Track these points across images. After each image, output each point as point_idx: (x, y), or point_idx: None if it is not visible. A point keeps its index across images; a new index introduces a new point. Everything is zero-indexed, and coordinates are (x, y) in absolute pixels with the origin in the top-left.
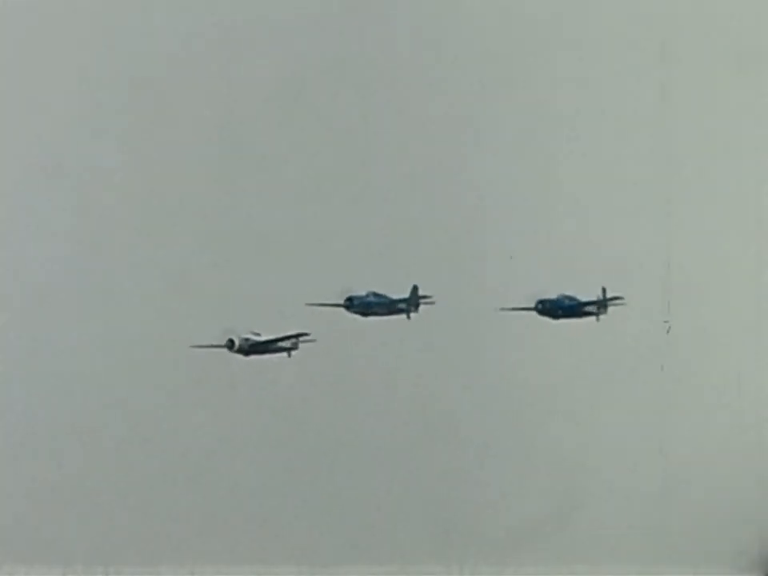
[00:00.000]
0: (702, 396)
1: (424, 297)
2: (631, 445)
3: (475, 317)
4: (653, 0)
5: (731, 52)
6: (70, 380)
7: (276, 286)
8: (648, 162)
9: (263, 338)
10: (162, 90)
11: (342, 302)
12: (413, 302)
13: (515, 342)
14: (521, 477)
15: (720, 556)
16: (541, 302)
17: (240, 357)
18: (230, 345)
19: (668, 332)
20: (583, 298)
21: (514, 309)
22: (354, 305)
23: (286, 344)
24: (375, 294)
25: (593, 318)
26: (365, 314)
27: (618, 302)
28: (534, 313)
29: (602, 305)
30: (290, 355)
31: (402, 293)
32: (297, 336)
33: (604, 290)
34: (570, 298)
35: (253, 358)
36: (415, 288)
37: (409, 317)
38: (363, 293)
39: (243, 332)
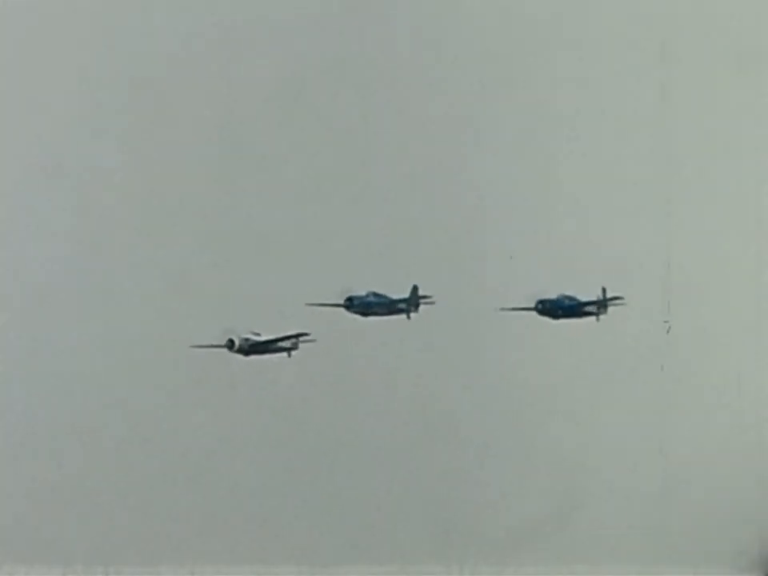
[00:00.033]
0: (702, 396)
1: (424, 297)
2: (631, 445)
3: (475, 317)
4: (653, 0)
5: (731, 52)
6: (70, 380)
7: (276, 286)
8: (648, 162)
9: (263, 338)
10: (162, 89)
11: (342, 302)
12: (413, 302)
13: (515, 342)
14: (521, 477)
15: (720, 556)
16: (541, 301)
17: (240, 357)
18: (230, 345)
19: (668, 332)
20: (583, 298)
21: (514, 309)
22: (354, 305)
23: (286, 344)
24: (375, 294)
25: (593, 318)
26: (365, 314)
27: (617, 302)
28: (534, 313)
29: (601, 305)
30: (290, 355)
31: (402, 293)
32: (297, 336)
33: (604, 290)
34: (570, 298)
35: (253, 357)
36: (415, 288)
37: (409, 317)
38: (363, 293)
39: (243, 332)
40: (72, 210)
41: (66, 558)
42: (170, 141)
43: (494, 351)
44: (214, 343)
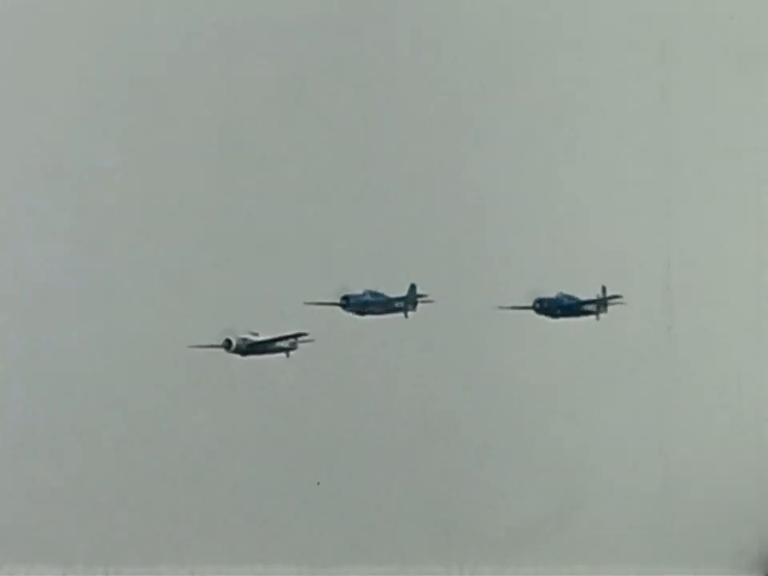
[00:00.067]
0: (702, 396)
1: (422, 295)
2: (631, 445)
3: (473, 315)
4: (653, 0)
5: (731, 52)
6: (70, 380)
7: (275, 286)
8: (648, 162)
9: (261, 338)
10: (162, 89)
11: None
12: (410, 301)
13: (514, 340)
14: (521, 477)
15: (720, 556)
16: (539, 300)
17: (238, 357)
18: (228, 345)
19: (668, 332)
20: (583, 297)
21: (512, 307)
22: (350, 303)
23: (284, 344)
24: (372, 293)
25: (592, 318)
26: (361, 313)
27: (617, 301)
28: (532, 311)
29: (601, 303)
30: (288, 355)
31: (401, 292)
32: (295, 336)
33: (604, 289)
34: (569, 297)
35: (251, 358)
36: (413, 286)
37: (407, 315)
38: (360, 291)
39: (242, 332)
40: (72, 210)
41: (66, 558)
42: (169, 141)
43: (492, 350)
44: (214, 344)
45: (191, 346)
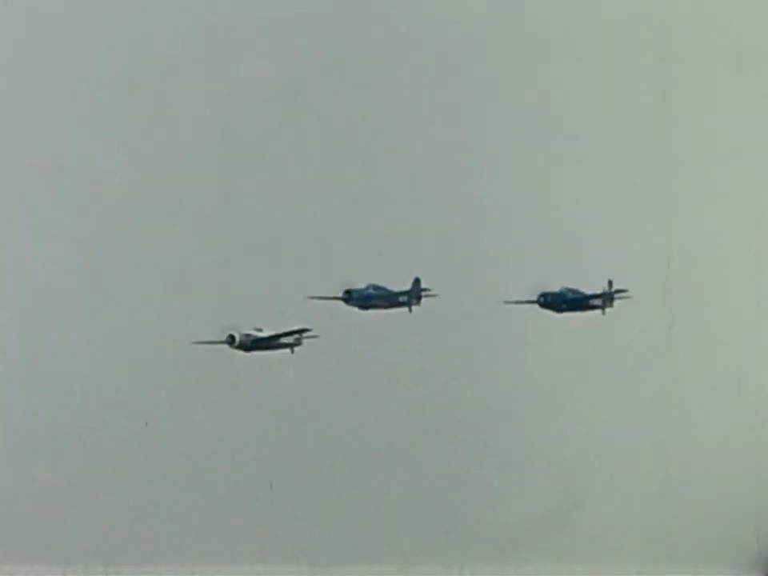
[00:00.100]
0: (702, 396)
1: (425, 289)
2: (631, 445)
3: (478, 310)
4: (653, 0)
5: (731, 52)
6: (70, 380)
7: (277, 283)
8: (648, 162)
9: (265, 334)
10: (162, 89)
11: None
12: (414, 295)
13: (518, 335)
14: (521, 477)
15: (720, 556)
16: (543, 294)
17: (241, 353)
18: (231, 341)
19: (668, 332)
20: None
21: (517, 302)
22: (352, 298)
23: (289, 340)
24: (375, 287)
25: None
26: (364, 307)
27: (619, 299)
28: (537, 306)
29: (607, 298)
30: (292, 351)
31: (405, 287)
32: (299, 332)
33: (610, 283)
34: (574, 291)
35: (253, 354)
36: (417, 280)
37: (410, 309)
38: (363, 285)
39: (245, 328)
40: (72, 210)
41: (66, 558)
42: (169, 141)
43: (495, 345)
44: (215, 341)
45: (195, 342)
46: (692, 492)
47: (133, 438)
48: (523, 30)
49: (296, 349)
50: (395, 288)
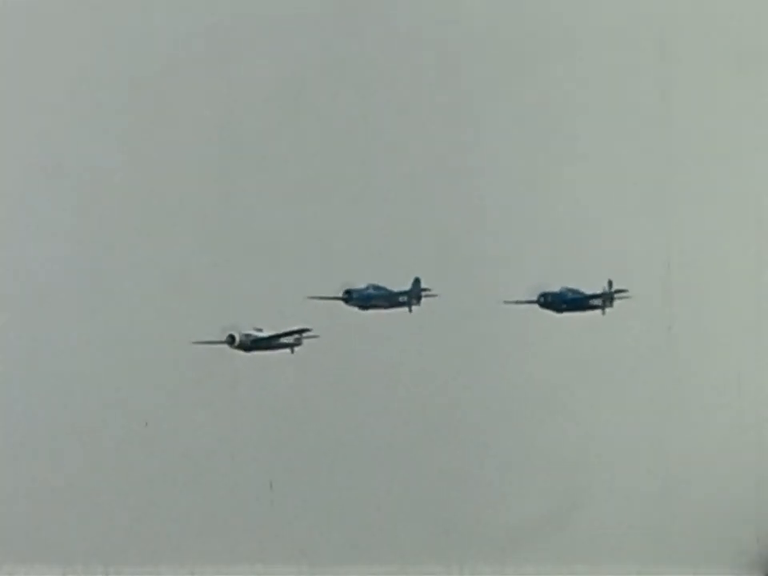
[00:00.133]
0: (702, 396)
1: (425, 289)
2: (631, 445)
3: (478, 310)
4: (653, 0)
5: (731, 52)
6: (70, 380)
7: (277, 286)
8: (648, 162)
9: (265, 334)
10: (162, 89)
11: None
12: (414, 295)
13: (518, 335)
14: (521, 477)
15: (720, 556)
16: (543, 294)
17: (241, 353)
18: (231, 341)
19: (668, 332)
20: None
21: (517, 302)
22: (352, 298)
23: (289, 340)
24: (375, 287)
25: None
26: (364, 307)
27: (619, 299)
28: (537, 306)
29: (608, 298)
30: (293, 351)
31: (405, 287)
32: (300, 332)
33: (610, 283)
34: (574, 291)
35: (254, 353)
36: (417, 280)
37: (410, 310)
38: (363, 285)
39: (245, 328)
40: (72, 210)
41: (66, 557)
42: (169, 141)
43: (495, 346)
44: (215, 341)
45: (195, 342)
46: (692, 492)
47: (133, 438)
48: (523, 30)
49: (296, 349)
50: (395, 288)
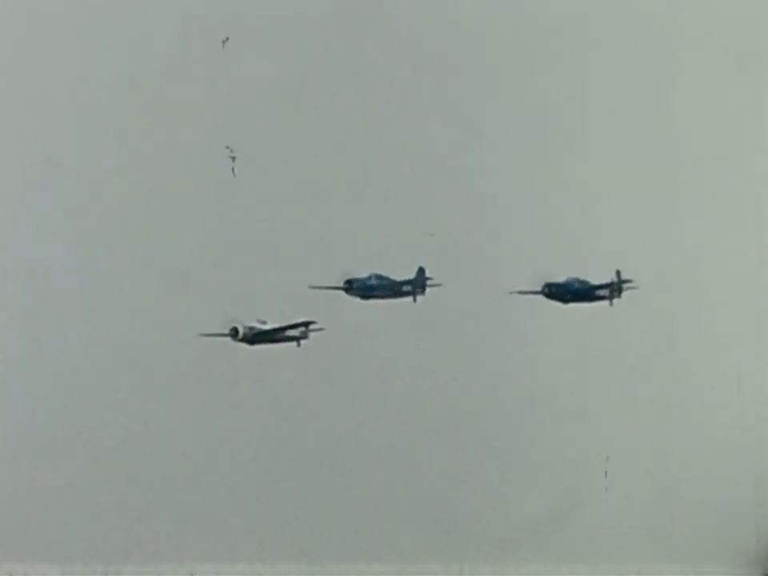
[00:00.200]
0: (702, 396)
1: (430, 278)
2: (631, 445)
3: (483, 300)
4: (653, 0)
5: (731, 52)
6: (70, 380)
7: (280, 280)
8: (648, 162)
9: (269, 327)
10: (162, 89)
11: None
12: (419, 284)
13: (521, 327)
14: (521, 477)
15: (720, 556)
16: (548, 285)
17: (245, 345)
18: (234, 333)
19: (668, 332)
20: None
21: (521, 292)
22: (353, 287)
23: (294, 333)
24: (378, 276)
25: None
26: (365, 297)
27: (618, 299)
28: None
29: (615, 288)
30: (299, 345)
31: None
32: (305, 324)
33: (618, 273)
34: (581, 281)
35: (257, 347)
36: (421, 270)
37: (415, 299)
38: (365, 275)
39: (249, 321)
40: (72, 210)
41: (66, 557)
42: (170, 141)
43: (499, 338)
44: (219, 333)
45: (200, 334)
46: (692, 492)
47: (133, 438)
48: (523, 30)
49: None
50: (399, 277)
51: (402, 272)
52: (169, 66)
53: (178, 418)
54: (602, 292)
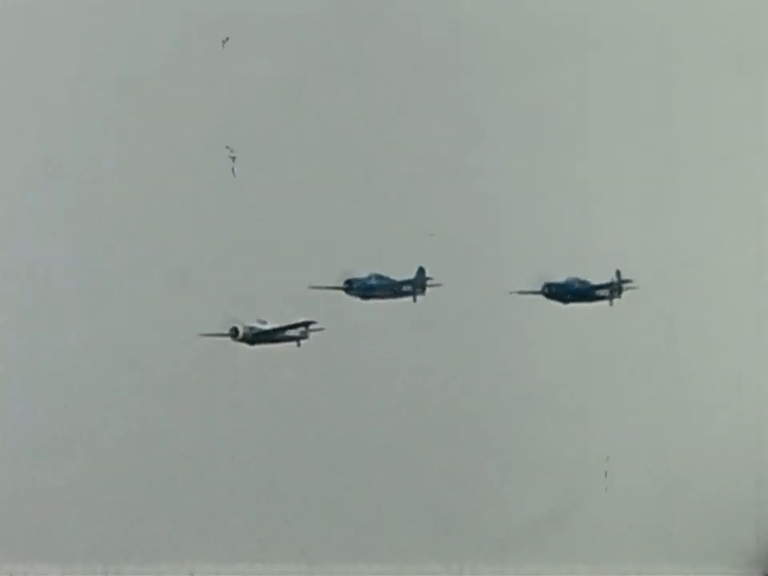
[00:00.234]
0: (702, 396)
1: (430, 278)
2: (631, 445)
3: (483, 300)
4: (653, 0)
5: (731, 52)
6: (70, 380)
7: (279, 280)
8: (648, 162)
9: (269, 327)
10: (162, 89)
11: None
12: (419, 284)
13: (521, 327)
14: (521, 477)
15: (720, 556)
16: (548, 285)
17: (244, 346)
18: (234, 333)
19: (668, 332)
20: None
21: (521, 292)
22: (353, 287)
23: (294, 333)
24: (378, 276)
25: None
26: (365, 297)
27: (618, 299)
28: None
29: (615, 288)
30: (299, 345)
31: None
32: (305, 324)
33: (618, 273)
34: (581, 281)
35: (257, 347)
36: (421, 269)
37: (415, 299)
38: (365, 275)
39: (249, 321)
40: (72, 210)
41: (66, 557)
42: (170, 141)
43: (498, 338)
44: (219, 334)
45: (200, 334)
46: (692, 492)
47: (133, 438)
48: (523, 30)
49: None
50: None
51: (402, 272)
52: (169, 66)
53: (178, 418)
54: (602, 292)
